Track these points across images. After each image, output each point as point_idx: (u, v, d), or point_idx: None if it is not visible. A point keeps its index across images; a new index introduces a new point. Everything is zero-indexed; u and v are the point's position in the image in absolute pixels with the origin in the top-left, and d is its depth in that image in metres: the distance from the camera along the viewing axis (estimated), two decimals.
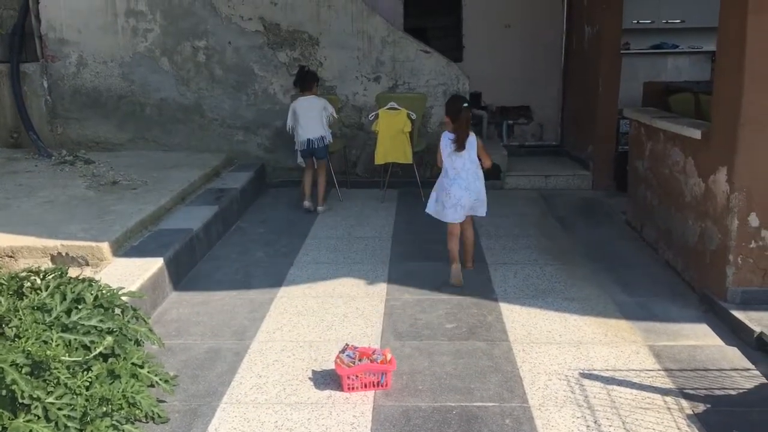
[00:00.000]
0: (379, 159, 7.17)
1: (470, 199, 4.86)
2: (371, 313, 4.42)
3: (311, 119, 6.70)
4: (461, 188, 4.82)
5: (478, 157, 4.86)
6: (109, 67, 8.02)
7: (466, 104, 4.83)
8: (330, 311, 4.46)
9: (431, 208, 5.02)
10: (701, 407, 3.27)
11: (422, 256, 5.52)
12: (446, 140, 4.86)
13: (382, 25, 7.85)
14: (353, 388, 3.44)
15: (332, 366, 3.57)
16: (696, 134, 4.65)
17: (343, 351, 3.58)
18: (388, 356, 3.54)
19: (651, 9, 9.05)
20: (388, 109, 7.09)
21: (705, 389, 3.45)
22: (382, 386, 3.46)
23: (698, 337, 4.04)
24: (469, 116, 4.85)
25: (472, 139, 4.82)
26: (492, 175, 7.89)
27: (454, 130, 4.81)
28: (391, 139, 7.08)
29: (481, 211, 5.00)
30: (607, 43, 7.44)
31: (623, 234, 6.13)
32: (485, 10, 9.18)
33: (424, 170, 7.77)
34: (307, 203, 6.86)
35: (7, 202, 5.74)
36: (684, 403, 3.31)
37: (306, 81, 6.81)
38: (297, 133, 6.78)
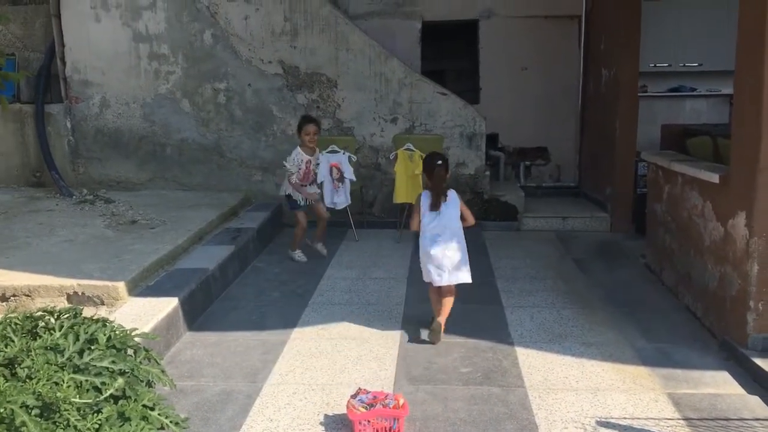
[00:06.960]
0: (399, 198, 7.24)
1: (451, 261, 4.54)
2: (385, 356, 4.38)
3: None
4: (439, 248, 4.55)
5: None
6: (131, 108, 8.17)
7: (440, 162, 4.56)
8: (343, 353, 4.43)
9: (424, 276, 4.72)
10: None
11: None
12: (425, 199, 4.62)
13: (400, 68, 7.94)
14: None
15: (344, 410, 3.53)
16: (714, 178, 4.61)
17: (355, 395, 3.54)
18: (401, 401, 3.49)
19: (668, 53, 9.08)
20: (405, 149, 7.15)
21: None
22: None
23: (719, 386, 3.95)
24: (442, 174, 4.56)
25: (452, 198, 4.59)
26: (509, 216, 7.89)
27: (430, 187, 4.63)
28: (410, 180, 7.12)
29: (464, 277, 4.59)
30: (625, 85, 7.46)
31: (642, 277, 6.05)
32: (502, 52, 9.25)
33: None
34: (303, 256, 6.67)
35: (27, 241, 5.80)
36: None
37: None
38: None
